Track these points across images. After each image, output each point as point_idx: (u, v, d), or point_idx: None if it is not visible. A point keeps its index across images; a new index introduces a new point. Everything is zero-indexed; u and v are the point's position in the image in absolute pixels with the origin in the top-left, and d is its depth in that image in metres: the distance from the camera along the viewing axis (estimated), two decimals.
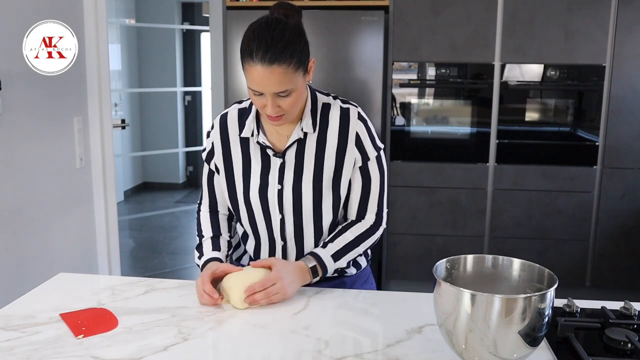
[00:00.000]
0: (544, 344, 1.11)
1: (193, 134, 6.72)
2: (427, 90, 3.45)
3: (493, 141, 3.36)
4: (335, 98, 1.41)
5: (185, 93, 6.67)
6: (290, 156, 1.37)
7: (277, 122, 1.31)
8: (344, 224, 1.42)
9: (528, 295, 0.93)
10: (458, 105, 3.48)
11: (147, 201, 6.13)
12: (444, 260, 1.07)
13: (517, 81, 3.33)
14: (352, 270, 1.48)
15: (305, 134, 1.36)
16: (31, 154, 2.11)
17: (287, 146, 1.36)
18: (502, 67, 3.30)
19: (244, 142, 1.40)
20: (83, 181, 2.46)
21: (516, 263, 1.09)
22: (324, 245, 1.37)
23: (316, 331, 1.16)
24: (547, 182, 3.34)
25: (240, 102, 1.46)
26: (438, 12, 3.26)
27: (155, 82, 6.27)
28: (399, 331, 1.17)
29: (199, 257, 1.43)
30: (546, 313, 0.95)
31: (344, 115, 1.37)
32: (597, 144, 3.31)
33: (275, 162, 1.37)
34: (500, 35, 3.26)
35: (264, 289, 1.25)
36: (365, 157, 1.38)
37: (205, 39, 6.25)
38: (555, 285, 0.98)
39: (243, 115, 1.41)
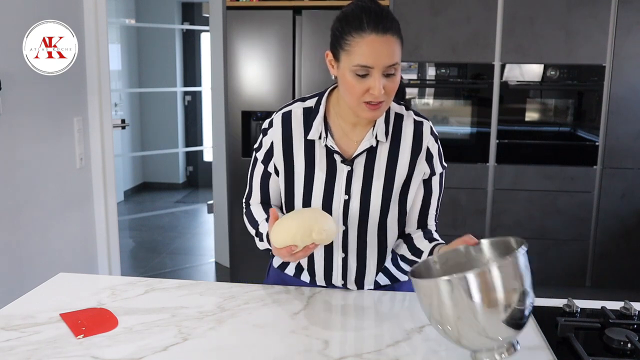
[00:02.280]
0: (544, 343, 1.11)
1: (193, 134, 6.72)
2: (427, 90, 3.45)
3: (493, 141, 3.36)
4: (407, 109, 1.35)
5: (185, 93, 6.67)
6: (360, 165, 1.30)
7: (375, 113, 1.22)
8: (427, 231, 1.36)
9: (495, 263, 0.93)
10: (458, 105, 3.48)
11: (147, 201, 6.13)
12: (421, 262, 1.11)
13: (517, 81, 3.33)
14: (404, 278, 1.45)
15: (377, 142, 1.30)
16: (31, 154, 2.11)
17: (357, 154, 1.30)
18: (502, 67, 3.30)
19: (309, 145, 1.31)
20: (83, 181, 2.46)
21: (485, 244, 1.10)
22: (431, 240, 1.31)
23: (316, 331, 1.16)
24: (547, 182, 3.34)
25: (303, 100, 1.36)
26: (438, 12, 3.26)
27: (155, 82, 6.27)
28: (399, 331, 1.17)
29: (260, 239, 1.34)
30: (524, 278, 0.94)
31: (418, 129, 1.32)
32: (597, 144, 3.31)
33: (342, 170, 1.30)
34: (500, 35, 3.26)
35: None
36: (432, 172, 1.34)
37: (205, 39, 6.25)
38: (524, 247, 0.97)
39: (309, 115, 1.32)
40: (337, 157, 1.30)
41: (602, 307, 1.26)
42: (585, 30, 3.21)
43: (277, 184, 1.40)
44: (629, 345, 1.08)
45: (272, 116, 1.37)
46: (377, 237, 1.34)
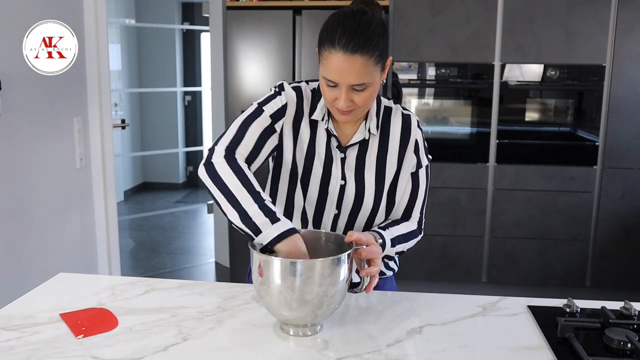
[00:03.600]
0: (544, 343, 1.11)
1: (193, 134, 6.72)
2: (427, 90, 3.45)
3: (493, 141, 3.36)
4: (395, 103, 1.40)
5: (185, 93, 6.67)
6: (352, 154, 1.34)
7: (346, 117, 1.26)
8: (392, 220, 1.38)
9: (301, 261, 1.06)
10: (458, 105, 3.48)
11: (147, 201, 6.13)
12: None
13: (517, 81, 3.33)
14: (389, 273, 1.47)
15: (370, 135, 1.34)
16: (31, 154, 2.11)
17: (350, 144, 1.33)
18: (502, 67, 3.30)
19: (313, 124, 1.33)
20: (83, 181, 2.46)
21: (322, 234, 1.24)
22: (384, 228, 1.31)
23: None
24: (547, 182, 3.34)
25: (307, 82, 1.37)
26: (438, 12, 3.26)
27: (155, 82, 6.27)
28: (399, 331, 1.17)
29: (270, 216, 1.13)
30: (324, 283, 1.06)
31: (406, 122, 1.37)
32: (597, 144, 3.31)
33: (337, 155, 1.33)
34: (500, 35, 3.26)
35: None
36: (418, 165, 1.38)
37: (205, 39, 6.25)
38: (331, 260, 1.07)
39: (315, 96, 1.34)
40: (334, 142, 1.33)
41: (602, 307, 1.26)
42: (585, 30, 3.21)
43: (271, 148, 1.31)
44: (629, 345, 1.08)
45: (281, 83, 1.34)
46: (365, 225, 1.37)
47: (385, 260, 1.43)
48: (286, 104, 1.31)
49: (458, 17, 3.25)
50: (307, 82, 1.38)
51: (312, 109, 1.33)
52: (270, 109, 1.29)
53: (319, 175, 1.33)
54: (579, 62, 3.25)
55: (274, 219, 1.13)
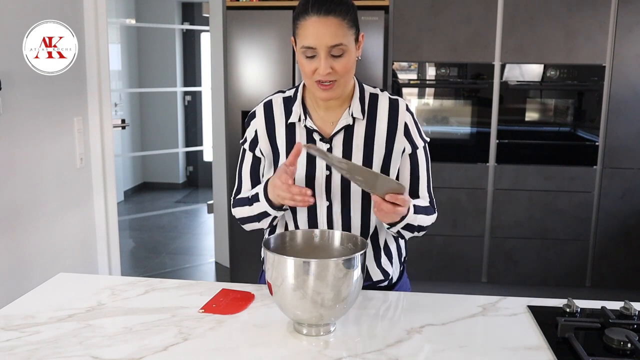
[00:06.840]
0: (544, 343, 1.11)
1: (193, 134, 6.72)
2: (427, 90, 3.45)
3: (493, 141, 3.36)
4: (382, 90, 1.43)
5: (185, 93, 6.67)
6: (338, 142, 1.36)
7: (328, 93, 1.29)
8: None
9: (314, 260, 1.06)
10: (458, 105, 3.48)
11: (147, 201, 6.13)
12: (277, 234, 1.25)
13: (517, 81, 3.33)
14: (392, 270, 1.46)
15: (354, 120, 1.36)
16: (31, 154, 2.11)
17: (334, 132, 1.36)
18: (502, 67, 3.30)
19: (290, 128, 1.38)
20: (83, 181, 2.46)
21: (337, 234, 1.25)
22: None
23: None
24: (547, 182, 3.34)
25: (282, 91, 1.44)
26: (438, 12, 3.26)
27: (155, 82, 6.27)
28: (399, 331, 1.17)
29: (256, 197, 1.35)
30: (338, 282, 1.06)
31: (393, 106, 1.39)
32: (597, 144, 3.31)
33: (322, 148, 1.36)
34: (500, 35, 3.26)
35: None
36: (414, 146, 1.40)
37: (205, 39, 6.25)
38: (343, 260, 1.07)
39: (289, 102, 1.40)
40: (316, 136, 1.37)
41: (602, 307, 1.26)
42: (585, 30, 3.21)
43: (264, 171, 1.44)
44: (629, 345, 1.08)
45: (255, 108, 1.45)
46: (361, 212, 1.37)
47: (384, 266, 1.44)
48: (255, 131, 1.42)
49: (458, 17, 3.25)
50: (282, 91, 1.45)
51: (288, 114, 1.39)
52: (247, 145, 1.44)
53: (303, 173, 1.36)
54: (579, 62, 3.25)
55: (258, 196, 1.34)
